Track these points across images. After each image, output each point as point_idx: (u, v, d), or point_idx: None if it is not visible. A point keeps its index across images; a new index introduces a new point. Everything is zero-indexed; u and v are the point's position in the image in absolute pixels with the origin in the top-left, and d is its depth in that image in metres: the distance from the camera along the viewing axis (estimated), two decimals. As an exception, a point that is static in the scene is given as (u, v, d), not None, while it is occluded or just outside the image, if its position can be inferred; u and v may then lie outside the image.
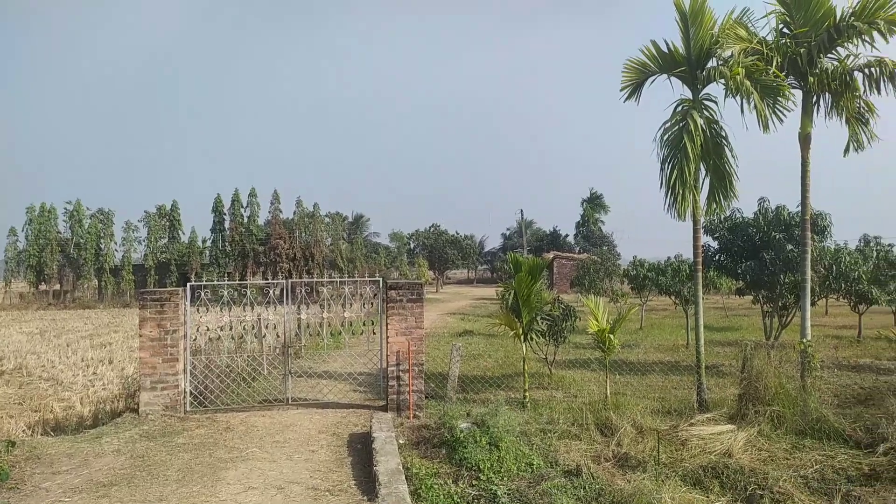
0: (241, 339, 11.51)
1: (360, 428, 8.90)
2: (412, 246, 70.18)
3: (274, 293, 10.88)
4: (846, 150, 11.07)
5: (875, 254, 20.79)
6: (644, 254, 29.36)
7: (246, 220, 48.61)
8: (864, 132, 10.82)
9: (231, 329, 10.78)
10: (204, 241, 49.76)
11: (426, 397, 10.48)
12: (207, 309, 10.33)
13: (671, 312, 30.58)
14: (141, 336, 9.60)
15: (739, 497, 6.71)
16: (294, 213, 51.11)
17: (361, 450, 7.89)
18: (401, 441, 8.20)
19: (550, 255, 59.11)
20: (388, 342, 9.76)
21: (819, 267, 14.86)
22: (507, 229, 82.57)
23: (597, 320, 10.57)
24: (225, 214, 48.89)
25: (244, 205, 48.98)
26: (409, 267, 56.96)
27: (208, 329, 10.62)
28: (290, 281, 10.59)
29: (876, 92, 10.49)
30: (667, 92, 11.41)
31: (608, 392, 10.47)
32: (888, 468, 7.08)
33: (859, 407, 9.56)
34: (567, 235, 75.89)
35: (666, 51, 10.96)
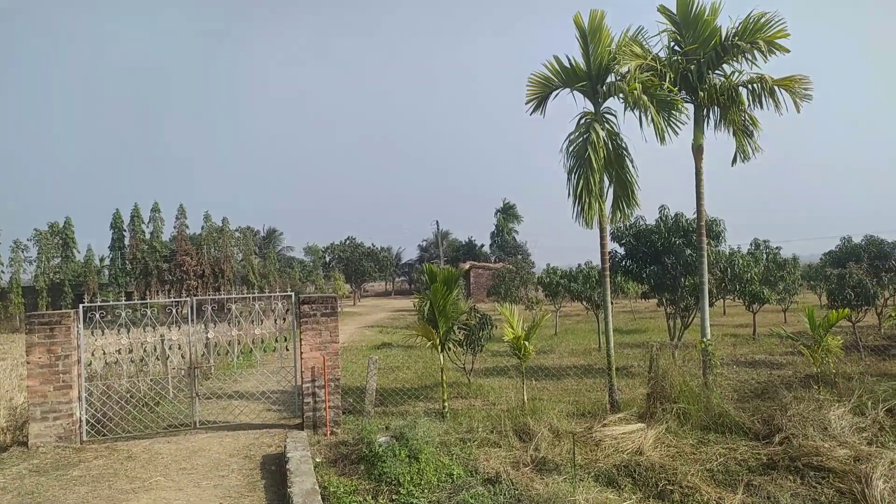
0: (143, 362, 10.85)
1: (275, 449, 8.58)
2: (328, 259, 69.03)
3: (179, 312, 10.33)
4: (734, 161, 11.86)
5: (765, 256, 22.33)
6: (557, 261, 30.20)
7: (148, 236, 46.13)
8: (750, 144, 11.63)
9: (131, 352, 10.14)
10: (102, 260, 46.80)
11: (344, 413, 10.26)
12: (103, 331, 9.67)
13: (584, 317, 31.57)
14: (29, 363, 8.87)
15: (651, 493, 6.96)
16: (202, 227, 49.05)
17: (275, 471, 7.60)
18: (318, 459, 7.97)
19: (467, 265, 59.78)
20: (302, 358, 9.50)
21: (715, 270, 15.81)
22: (424, 241, 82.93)
23: (512, 328, 10.74)
24: (125, 231, 46.21)
25: (146, 220, 46.49)
26: (324, 281, 55.95)
27: (105, 353, 9.94)
28: (195, 298, 10.10)
29: (758, 107, 11.32)
30: (571, 105, 11.84)
31: (525, 398, 10.63)
32: (783, 457, 7.56)
33: (757, 400, 10.15)
34: (483, 245, 77.07)
35: (568, 66, 11.36)
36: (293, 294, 10.42)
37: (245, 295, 11.10)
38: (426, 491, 6.88)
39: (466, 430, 9.03)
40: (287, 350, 10.36)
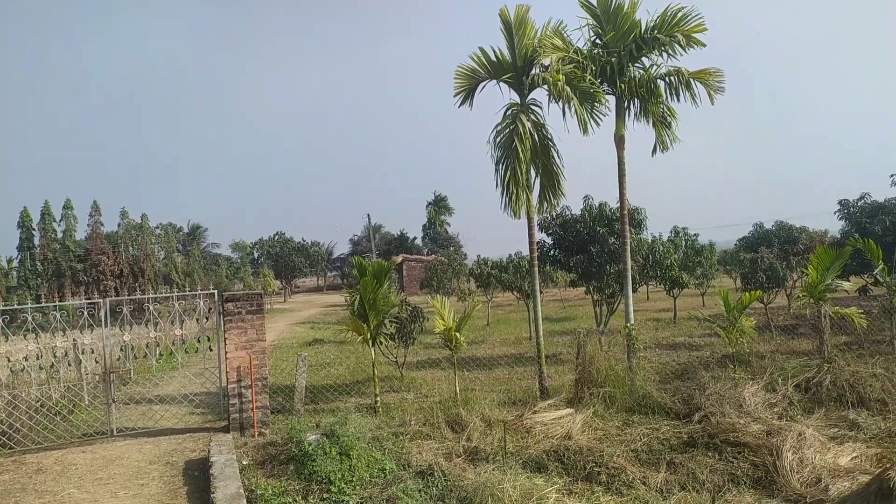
0: (54, 369, 10.20)
1: (199, 453, 8.27)
2: (256, 255, 67.14)
3: (96, 314, 9.76)
4: (654, 151, 12.26)
5: (684, 243, 23.28)
6: (489, 253, 30.51)
7: (60, 235, 43.48)
8: (668, 134, 12.04)
9: (39, 358, 9.50)
10: (10, 262, 43.79)
11: (273, 412, 10.01)
12: (8, 338, 9.02)
13: (515, 307, 32.08)
14: (-80, 376, 8.16)
15: (579, 476, 7.13)
16: (119, 225, 46.65)
17: (199, 477, 7.32)
18: (244, 462, 7.72)
19: (399, 258, 59.52)
20: (227, 358, 9.18)
21: (638, 257, 16.33)
22: (356, 235, 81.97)
23: (443, 320, 10.74)
24: (34, 230, 43.37)
25: (57, 218, 43.77)
26: (253, 278, 54.39)
27: (10, 360, 9.27)
28: (109, 299, 9.56)
29: (675, 99, 11.73)
30: (499, 97, 11.89)
31: (457, 389, 10.68)
32: (703, 434, 7.90)
33: (677, 381, 10.55)
34: (415, 238, 76.93)
35: (494, 58, 11.43)
36: (215, 292, 10.04)
37: (164, 294, 10.60)
38: (358, 487, 6.80)
39: (399, 424, 8.98)
40: (211, 350, 9.98)
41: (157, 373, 12.90)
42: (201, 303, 9.97)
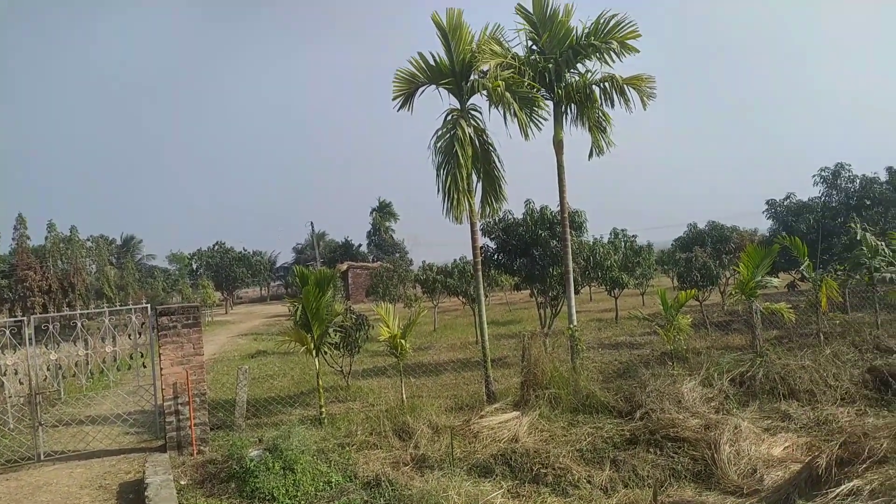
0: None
1: (133, 475, 7.91)
2: (195, 266, 65.06)
3: (17, 333, 9.22)
4: (590, 155, 12.53)
5: (623, 244, 23.91)
6: (435, 258, 30.53)
7: (-18, 250, 41.08)
8: (604, 139, 12.33)
9: (-45, 382, 8.91)
10: (-74, 280, 40.98)
11: (213, 429, 9.68)
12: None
13: (462, 312, 32.18)
14: None
15: (526, 478, 7.16)
16: (46, 238, 44.38)
17: (134, 500, 7.00)
18: (183, 482, 7.44)
19: (344, 266, 58.84)
20: (162, 374, 8.82)
21: (579, 259, 16.65)
22: (299, 243, 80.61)
23: (388, 327, 10.65)
24: (-48, 246, 40.82)
25: (-23, 233, 41.32)
26: (192, 290, 52.68)
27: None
28: (34, 316, 9.05)
29: (610, 104, 12.02)
30: (440, 102, 11.91)
31: (404, 396, 10.60)
32: (644, 431, 8.07)
33: (620, 380, 10.79)
34: (360, 245, 76.25)
35: (433, 63, 11.44)
36: (148, 306, 9.65)
37: (94, 310, 10.11)
38: (303, 502, 6.65)
39: (345, 435, 8.84)
40: (145, 367, 9.57)
41: (88, 392, 12.29)
42: (134, 317, 9.57)
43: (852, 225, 15.42)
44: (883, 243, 14.50)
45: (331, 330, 11.49)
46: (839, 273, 15.82)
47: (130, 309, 9.69)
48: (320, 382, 10.47)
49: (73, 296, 38.99)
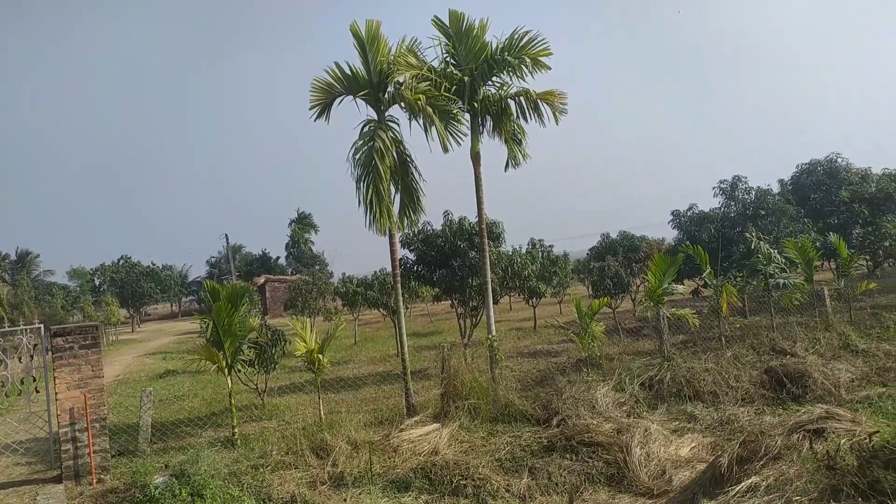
0: None
1: (23, 511, 7.28)
2: (98, 283, 61.33)
3: None
4: (506, 167, 12.75)
5: (540, 254, 24.49)
6: (357, 270, 30.16)
7: None
8: (519, 151, 12.59)
9: None
10: None
11: (115, 456, 9.09)
12: None
13: (383, 324, 31.92)
14: None
15: (446, 491, 7.13)
16: (-74, 254, 40.65)
17: (23, 538, 6.42)
18: (80, 515, 6.91)
19: (262, 279, 57.20)
20: (57, 399, 8.19)
21: (498, 269, 16.90)
22: (213, 256, 77.68)
23: (304, 342, 10.38)
24: None
25: None
26: (94, 307, 49.58)
27: None
28: None
29: (525, 118, 12.30)
30: (357, 113, 11.78)
31: (322, 413, 10.34)
32: (560, 437, 8.24)
33: (538, 388, 10.96)
34: (279, 258, 74.32)
35: (350, 73, 11.34)
36: (41, 326, 8.96)
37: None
38: (212, 529, 6.31)
39: (259, 456, 8.50)
40: (38, 392, 8.87)
41: (-29, 422, 11.25)
42: (25, 339, 8.86)
43: (749, 234, 16.47)
44: (776, 251, 15.57)
45: (244, 346, 11.05)
46: (738, 279, 16.84)
47: (22, 329, 8.96)
48: (233, 402, 10.05)
49: (-43, 316, 35.81)
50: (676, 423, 8.86)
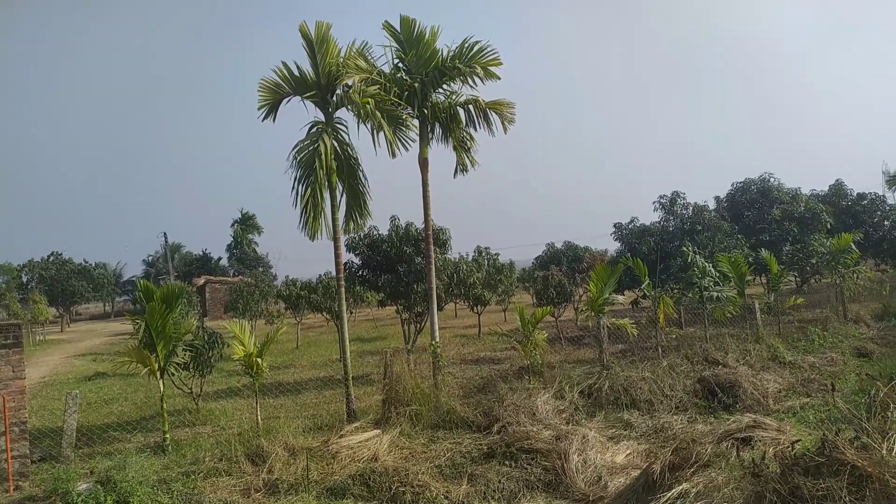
0: None
1: (-71, 521, 6.80)
2: (25, 279, 58.29)
3: None
4: (455, 173, 12.82)
5: (487, 262, 24.68)
6: (302, 273, 29.72)
7: None
8: (468, 158, 12.67)
9: None
10: None
11: (35, 461, 8.64)
12: None
13: (326, 328, 31.49)
14: None
15: (385, 498, 7.06)
16: None
17: (-73, 551, 6.00)
18: (-7, 525, 6.51)
19: (201, 280, 55.59)
20: (-27, 402, 7.71)
21: (443, 276, 16.94)
22: (150, 255, 75.09)
23: (243, 345, 10.11)
24: None
25: None
26: (21, 305, 47.06)
27: None
28: None
29: (474, 126, 12.40)
30: (304, 114, 11.62)
31: (259, 418, 10.09)
32: (501, 444, 8.27)
33: (480, 395, 10.98)
34: (220, 259, 72.43)
35: (297, 73, 11.18)
36: (-43, 324, 8.42)
37: None
38: (138, 539, 6.05)
39: (191, 462, 8.21)
40: (-49, 394, 8.31)
41: None
42: (-61, 337, 8.30)
43: (685, 248, 17.03)
44: (710, 265, 16.16)
45: (179, 349, 10.71)
46: (675, 291, 17.37)
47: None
48: (165, 406, 9.70)
49: None
50: (613, 430, 9.04)
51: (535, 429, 8.56)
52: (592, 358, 14.04)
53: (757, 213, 28.92)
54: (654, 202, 25.63)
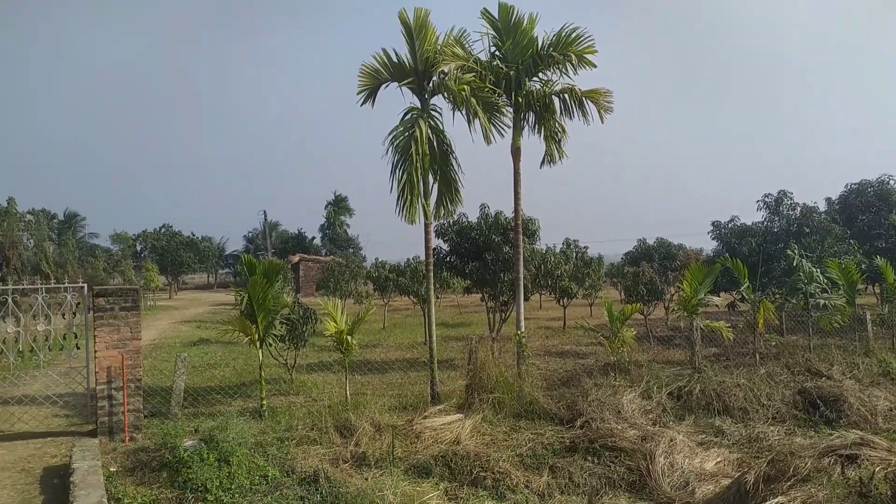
0: None
1: (60, 459, 7.59)
2: (139, 248, 63.03)
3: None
4: (542, 164, 12.68)
5: (574, 255, 24.29)
6: (388, 255, 30.34)
7: None
8: (557, 149, 12.50)
9: None
10: None
11: (148, 416, 9.39)
12: None
13: (412, 312, 32.10)
14: None
15: (466, 481, 7.19)
16: (-20, 209, 42.28)
17: (58, 485, 6.70)
18: (112, 469, 7.18)
19: (296, 258, 57.97)
20: (96, 357, 8.49)
21: (531, 266, 16.85)
22: (250, 231, 79.09)
23: (335, 322, 10.53)
24: None
25: None
26: (135, 272, 50.97)
27: None
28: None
29: (569, 115, 12.19)
30: (400, 99, 11.82)
31: (348, 393, 10.49)
32: (583, 439, 8.22)
33: (563, 388, 10.95)
34: (314, 238, 75.29)
35: (396, 60, 11.37)
36: (85, 286, 9.27)
37: (27, 286, 9.66)
38: (237, 495, 6.49)
39: (285, 429, 8.69)
40: (79, 349, 9.20)
41: (16, 371, 11.73)
42: (69, 297, 9.18)
43: (791, 251, 16.06)
44: (818, 270, 15.16)
45: (277, 321, 11.29)
46: (777, 296, 16.46)
47: (66, 288, 9.29)
48: (263, 374, 10.27)
49: (6, 270, 37.22)
50: (703, 435, 8.74)
51: (619, 427, 8.43)
52: (682, 360, 13.59)
53: (873, 217, 26.74)
54: (757, 201, 24.29)
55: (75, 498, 5.84)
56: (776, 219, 23.67)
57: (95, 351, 8.52)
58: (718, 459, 7.59)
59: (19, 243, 41.23)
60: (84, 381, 9.34)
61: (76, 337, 9.27)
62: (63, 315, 9.28)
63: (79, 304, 9.36)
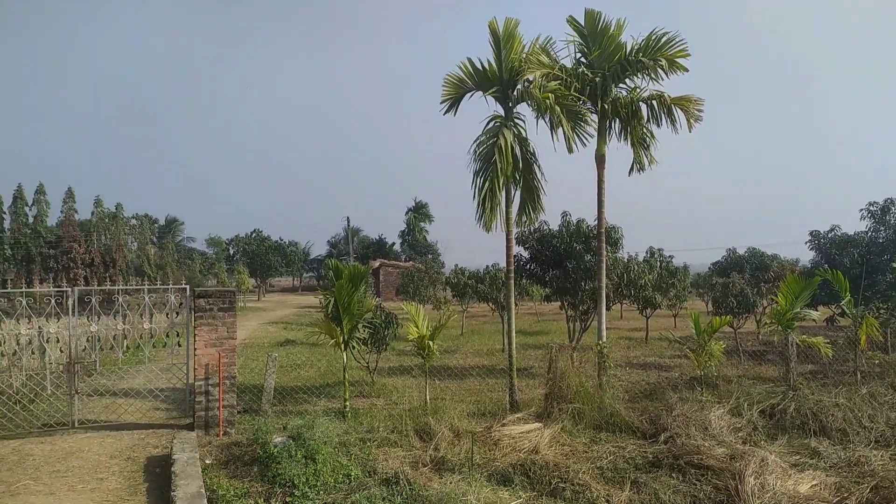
0: (16, 356, 9.97)
1: (161, 450, 8.13)
2: (232, 252, 66.45)
3: (64, 303, 9.57)
4: (630, 171, 12.40)
5: (658, 264, 23.52)
6: (467, 262, 30.48)
7: (31, 220, 42.57)
8: (646, 156, 12.20)
9: (2, 344, 9.29)
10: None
11: (240, 412, 9.89)
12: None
13: (490, 319, 32.11)
14: None
15: (544, 491, 7.14)
16: (92, 213, 45.86)
17: (160, 474, 7.19)
18: (208, 461, 7.62)
19: (377, 263, 59.29)
20: (196, 354, 9.05)
21: (613, 275, 16.48)
22: (333, 237, 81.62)
23: (417, 327, 10.73)
24: (4, 213, 42.39)
25: (29, 203, 42.89)
26: (227, 274, 53.76)
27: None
28: (77, 288, 9.39)
29: (657, 123, 11.89)
30: (480, 108, 11.93)
31: (427, 397, 10.66)
32: (667, 455, 7.98)
33: (645, 401, 10.66)
34: (393, 244, 76.79)
35: (481, 69, 11.48)
36: (188, 287, 9.91)
37: (135, 287, 10.43)
38: (322, 492, 6.73)
39: (367, 430, 8.93)
40: (179, 346, 9.84)
41: (123, 366, 12.68)
42: (172, 297, 9.83)
43: (898, 264, 14.94)
44: (930, 284, 14.01)
45: (360, 325, 11.62)
46: (881, 311, 15.33)
47: (170, 288, 9.95)
48: (346, 376, 10.60)
49: (113, 271, 40.14)
50: (797, 457, 8.27)
51: (706, 444, 8.11)
52: (776, 376, 12.89)
53: None
54: (861, 210, 22.65)
55: (177, 486, 6.26)
56: (882, 228, 22.01)
57: (195, 349, 9.08)
58: (814, 482, 7.16)
59: (125, 246, 44.36)
60: (183, 377, 9.95)
61: (178, 335, 9.90)
62: (166, 314, 9.95)
63: (181, 304, 10.01)
